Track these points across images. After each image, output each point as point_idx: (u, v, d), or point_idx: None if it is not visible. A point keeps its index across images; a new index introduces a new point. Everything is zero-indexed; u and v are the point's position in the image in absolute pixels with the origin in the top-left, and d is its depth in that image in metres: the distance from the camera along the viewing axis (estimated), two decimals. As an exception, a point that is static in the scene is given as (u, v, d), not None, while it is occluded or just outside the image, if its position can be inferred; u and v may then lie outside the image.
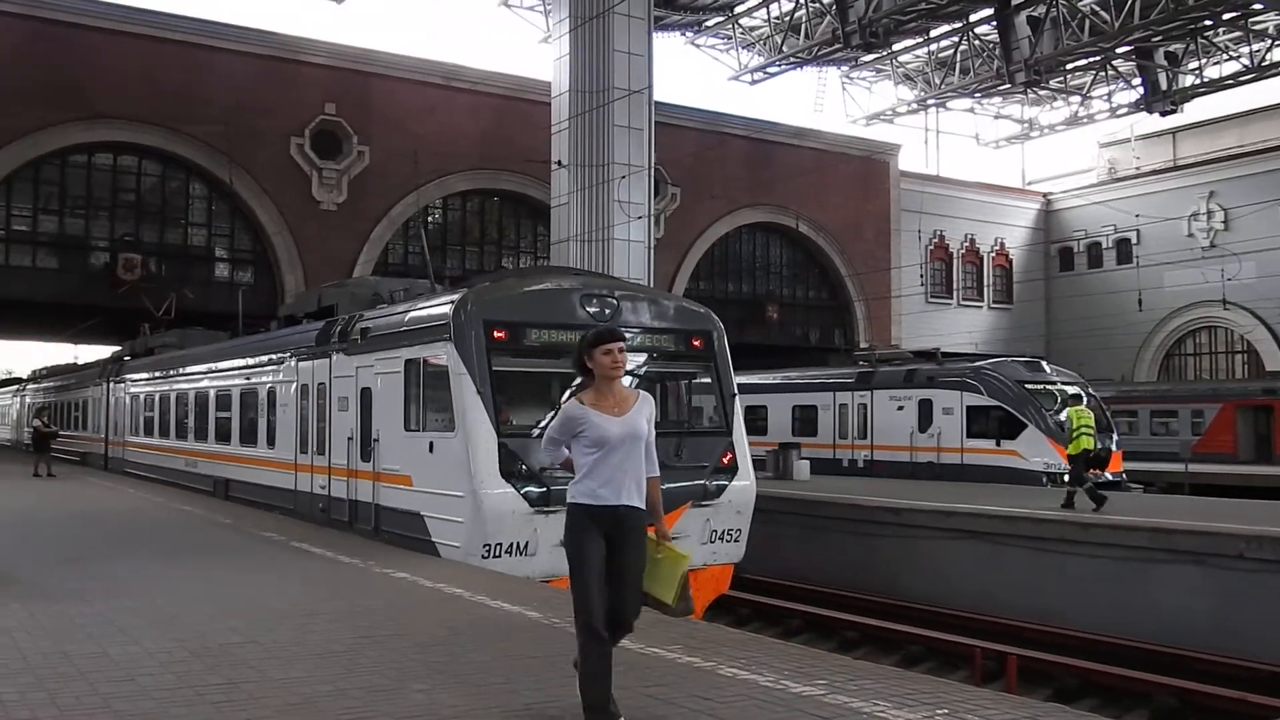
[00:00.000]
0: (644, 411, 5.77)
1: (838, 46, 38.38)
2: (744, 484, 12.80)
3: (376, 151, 37.90)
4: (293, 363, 16.18)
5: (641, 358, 12.70)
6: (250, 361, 18.19)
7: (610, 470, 5.61)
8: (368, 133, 37.81)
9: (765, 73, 44.62)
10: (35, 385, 45.11)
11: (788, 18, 41.85)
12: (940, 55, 44.51)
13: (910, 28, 37.99)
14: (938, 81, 44.79)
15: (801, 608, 15.98)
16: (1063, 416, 19.89)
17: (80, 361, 44.63)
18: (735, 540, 12.76)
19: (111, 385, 29.24)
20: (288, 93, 36.70)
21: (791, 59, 42.49)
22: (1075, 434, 17.73)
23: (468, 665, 6.75)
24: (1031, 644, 13.52)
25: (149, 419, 24.41)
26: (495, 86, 40.23)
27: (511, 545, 11.27)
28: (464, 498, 11.42)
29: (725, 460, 12.67)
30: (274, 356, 17.18)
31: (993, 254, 53.76)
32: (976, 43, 41.75)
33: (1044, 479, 23.51)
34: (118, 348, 34.10)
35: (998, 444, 24.68)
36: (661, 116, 33.05)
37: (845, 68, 48.06)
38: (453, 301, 12.22)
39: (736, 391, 13.19)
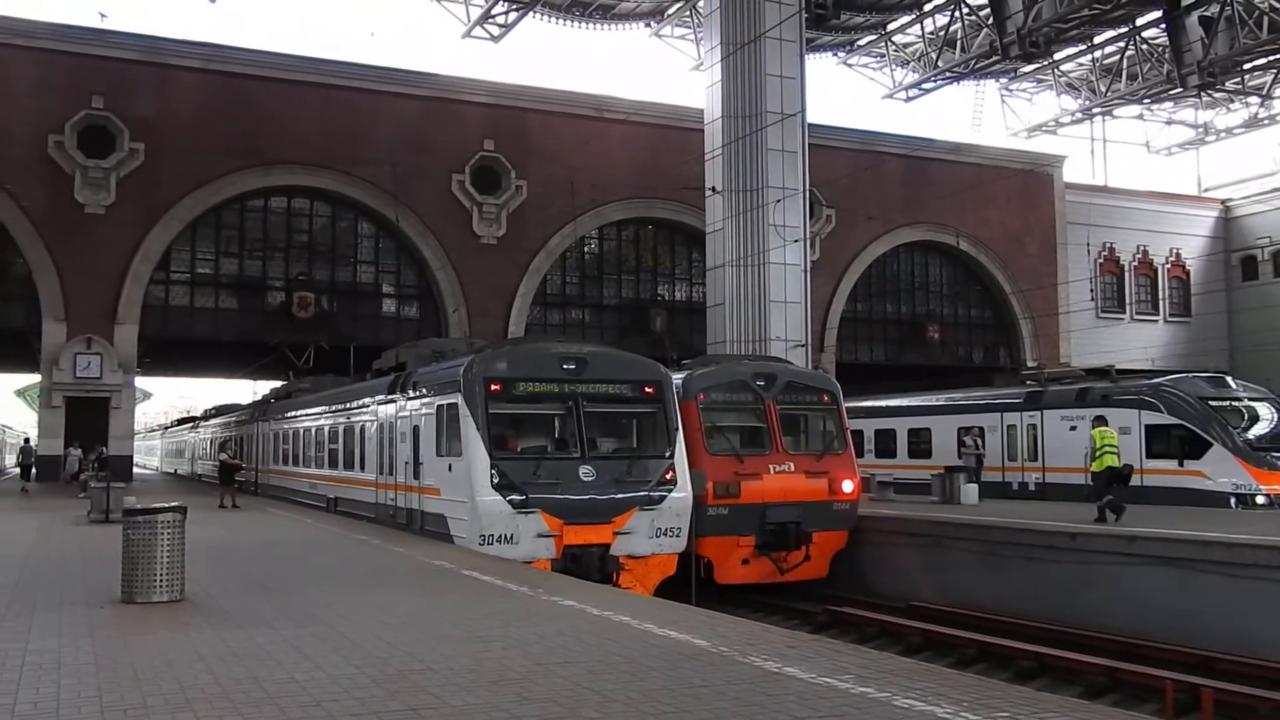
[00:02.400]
0: None
1: (996, 58, 37.54)
2: (681, 495, 16.38)
3: (534, 185, 38.78)
4: (374, 406, 20.46)
5: (609, 401, 16.72)
6: (349, 405, 22.48)
7: None
8: (525, 167, 38.73)
9: (920, 89, 43.94)
10: (205, 423, 49.41)
11: (942, 32, 41.18)
12: (1105, 62, 43.02)
13: (1072, 35, 36.85)
14: (1103, 89, 43.27)
15: (975, 636, 15.45)
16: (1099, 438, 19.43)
17: (258, 398, 47.11)
18: (676, 535, 16.36)
19: (259, 423, 33.30)
20: (449, 131, 37.97)
21: (947, 73, 41.74)
22: (1099, 453, 18.55)
23: (638, 693, 6.74)
24: (1229, 676, 12.74)
25: (285, 450, 28.95)
26: (648, 116, 40.71)
27: (500, 536, 15.14)
28: (467, 503, 15.44)
29: (667, 476, 16.33)
30: (363, 401, 21.42)
31: (1168, 265, 51.34)
32: (1144, 47, 40.20)
33: (1232, 501, 22.20)
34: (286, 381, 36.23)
35: (1180, 464, 23.44)
36: (815, 138, 32.85)
37: (1004, 80, 46.98)
38: (464, 363, 16.28)
39: (680, 426, 16.88)
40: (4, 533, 17.89)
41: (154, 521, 10.22)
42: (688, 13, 43.33)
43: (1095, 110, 46.62)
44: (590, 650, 8.10)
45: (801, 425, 20.76)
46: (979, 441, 26.97)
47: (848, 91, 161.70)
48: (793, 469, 19.43)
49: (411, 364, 20.11)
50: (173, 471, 61.82)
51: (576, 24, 43.86)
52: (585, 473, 15.61)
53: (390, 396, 19.40)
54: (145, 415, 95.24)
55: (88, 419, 33.33)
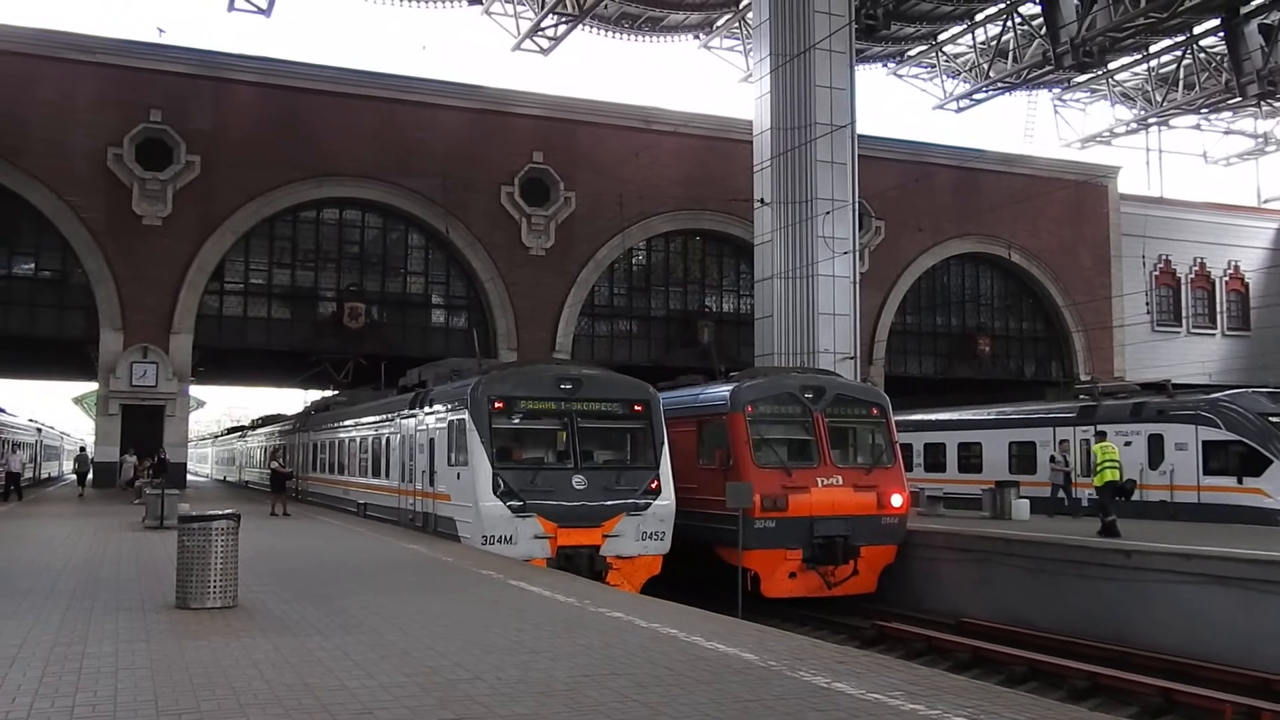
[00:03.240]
0: None
1: (1049, 69, 37.16)
2: (664, 502, 17.99)
3: (582, 197, 38.91)
4: (398, 420, 22.37)
5: (601, 418, 18.38)
6: (376, 419, 24.58)
7: None
8: (574, 179, 38.89)
9: (971, 99, 43.64)
10: (253, 432, 51.30)
11: (994, 42, 40.84)
12: (1162, 71, 42.47)
13: (1128, 44, 36.35)
14: (1159, 99, 42.71)
15: (1026, 654, 15.24)
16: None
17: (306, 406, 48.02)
18: (660, 539, 17.89)
19: (300, 434, 35.21)
20: (498, 144, 38.24)
21: (999, 84, 41.42)
22: (1100, 468, 19.21)
23: (686, 707, 6.72)
24: (1290, 700, 12.45)
25: (322, 459, 30.93)
26: (697, 128, 40.71)
27: (501, 537, 16.87)
28: (471, 507, 17.28)
29: (652, 486, 17.92)
30: (387, 415, 23.44)
31: (1226, 278, 50.44)
32: (1202, 56, 39.63)
33: (1293, 519, 21.73)
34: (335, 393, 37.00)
35: (1239, 481, 23.01)
36: (864, 150, 32.67)
37: (1057, 90, 46.54)
38: (471, 383, 18.25)
39: (665, 440, 18.37)
40: (62, 538, 18.23)
41: (209, 529, 10.35)
42: (737, 25, 43.36)
43: (1151, 120, 46.02)
44: (638, 662, 8.09)
45: (850, 438, 20.64)
46: (1067, 457, 25.85)
47: (898, 102, 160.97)
48: (841, 482, 19.32)
49: (432, 382, 21.83)
50: (223, 478, 62.99)
51: (625, 36, 44.04)
52: (578, 482, 17.42)
53: (411, 412, 21.35)
54: (198, 424, 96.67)
55: (143, 426, 33.87)
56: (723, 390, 20.44)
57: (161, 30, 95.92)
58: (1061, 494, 24.95)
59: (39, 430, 48.98)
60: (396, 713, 6.44)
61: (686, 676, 7.61)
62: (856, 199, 30.55)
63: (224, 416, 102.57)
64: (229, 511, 10.66)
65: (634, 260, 41.50)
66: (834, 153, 29.45)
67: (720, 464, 19.44)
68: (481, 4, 40.23)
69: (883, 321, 43.17)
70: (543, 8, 38.67)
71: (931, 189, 43.06)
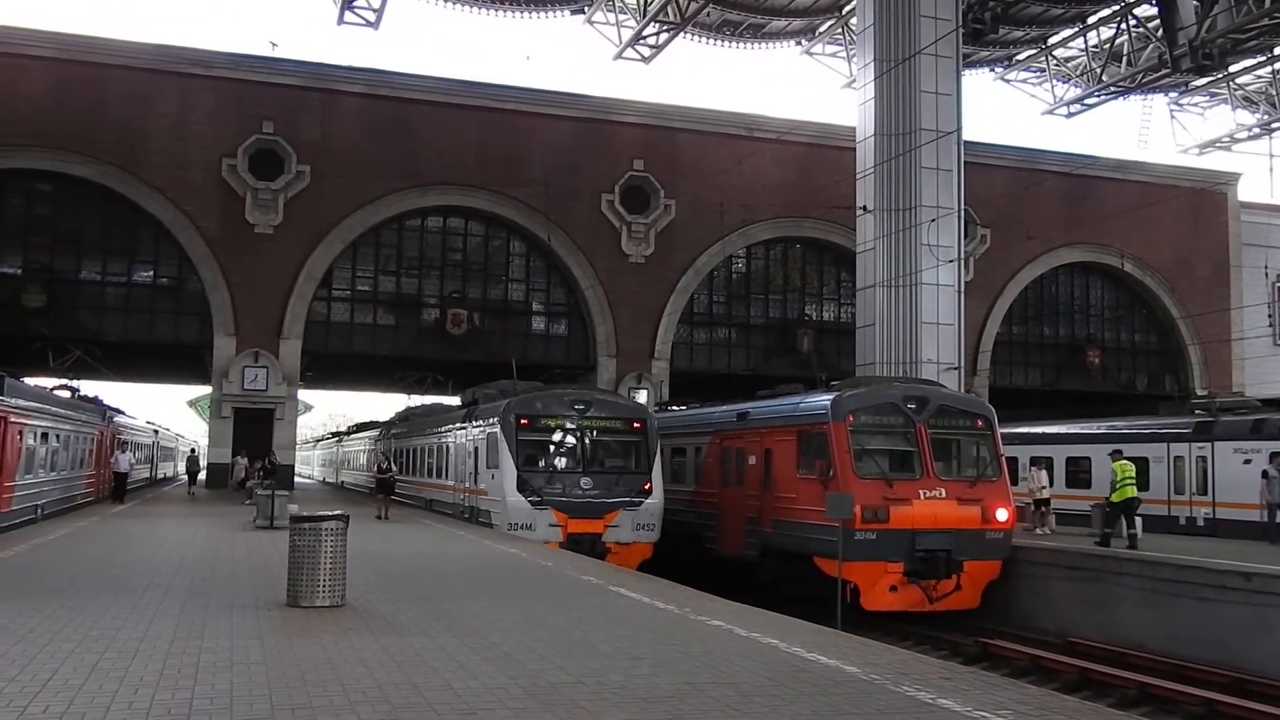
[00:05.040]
0: None
1: (1165, 72, 36.08)
2: (654, 501, 21.72)
3: (682, 204, 38.94)
4: (455, 431, 26.73)
5: (605, 432, 22.27)
6: (440, 429, 29.00)
7: None
8: (674, 186, 38.95)
9: (1083, 104, 42.62)
10: (348, 438, 55.07)
11: (1107, 45, 39.81)
12: (1285, 74, 40.84)
13: (1250, 46, 35.03)
14: (1283, 103, 41.03)
15: (1137, 677, 14.76)
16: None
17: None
18: (651, 530, 21.59)
19: (383, 441, 39.10)
20: (599, 152, 38.49)
21: (1112, 88, 40.37)
22: (1120, 484, 19.94)
23: (789, 718, 6.66)
24: None
25: (400, 462, 34.07)
26: (799, 135, 40.46)
27: (523, 525, 20.84)
28: (500, 501, 21.61)
29: (645, 487, 21.72)
30: (447, 426, 27.93)
31: (1354, 290, 48.12)
32: (1329, 58, 37.99)
33: None
34: (440, 398, 37.95)
35: (1368, 502, 21.91)
36: (971, 156, 32.11)
37: (1174, 94, 45.11)
38: (503, 404, 22.53)
39: (658, 451, 22.41)
40: (177, 538, 18.84)
41: (319, 529, 10.60)
42: (840, 30, 43.00)
43: (1275, 125, 44.35)
44: (739, 672, 8.05)
45: (954, 450, 20.24)
46: None
47: (1005, 107, 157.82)
48: (944, 495, 18.97)
49: (482, 400, 25.87)
50: (323, 480, 65.45)
51: (727, 43, 43.99)
52: (585, 483, 21.36)
53: (462, 425, 25.83)
54: (304, 427, 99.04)
55: (254, 429, 34.84)
56: (823, 399, 20.23)
57: (274, 44, 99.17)
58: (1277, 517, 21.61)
59: (156, 432, 50.76)
60: (501, 715, 6.50)
61: (789, 688, 7.55)
62: (962, 206, 30.02)
63: (327, 420, 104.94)
64: (338, 513, 10.89)
65: (734, 268, 41.38)
66: (939, 159, 28.99)
67: (820, 474, 19.24)
68: (584, 14, 40.58)
69: (988, 332, 42.32)
70: (644, 16, 38.85)
71: (1040, 196, 42.07)
